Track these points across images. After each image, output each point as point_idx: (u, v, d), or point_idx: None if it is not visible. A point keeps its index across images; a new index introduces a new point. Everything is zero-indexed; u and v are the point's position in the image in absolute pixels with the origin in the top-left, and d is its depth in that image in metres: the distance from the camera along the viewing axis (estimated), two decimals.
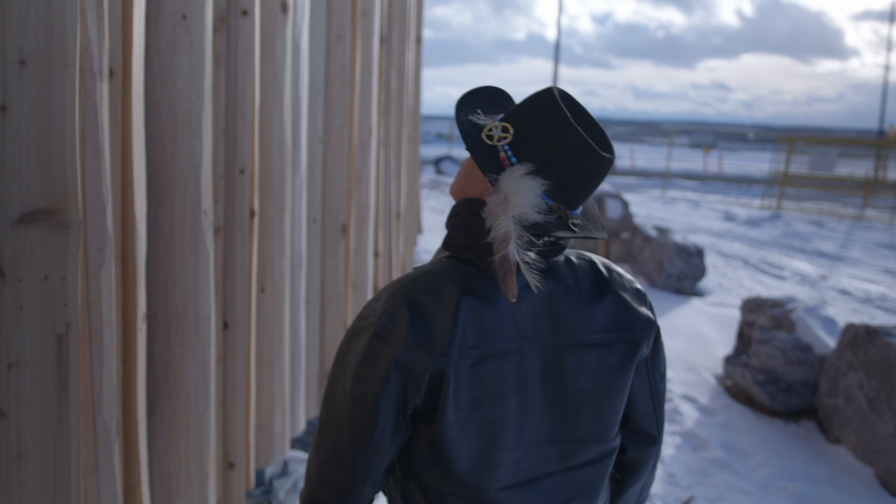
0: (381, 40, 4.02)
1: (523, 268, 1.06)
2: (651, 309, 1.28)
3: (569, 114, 1.10)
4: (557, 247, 1.16)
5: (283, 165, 2.67)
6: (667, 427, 4.34)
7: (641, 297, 1.27)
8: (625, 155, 29.69)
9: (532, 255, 1.07)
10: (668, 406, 4.64)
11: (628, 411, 1.30)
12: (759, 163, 31.88)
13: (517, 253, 1.05)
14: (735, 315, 6.46)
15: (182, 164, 2.01)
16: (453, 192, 1.24)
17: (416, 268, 1.19)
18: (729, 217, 14.77)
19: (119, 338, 1.84)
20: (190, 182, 2.03)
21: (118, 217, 1.79)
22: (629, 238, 8.70)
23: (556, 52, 27.22)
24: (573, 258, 1.22)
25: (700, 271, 7.96)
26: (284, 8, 2.59)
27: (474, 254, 1.13)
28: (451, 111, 1.25)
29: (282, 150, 2.65)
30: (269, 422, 2.80)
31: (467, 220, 1.14)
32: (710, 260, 9.50)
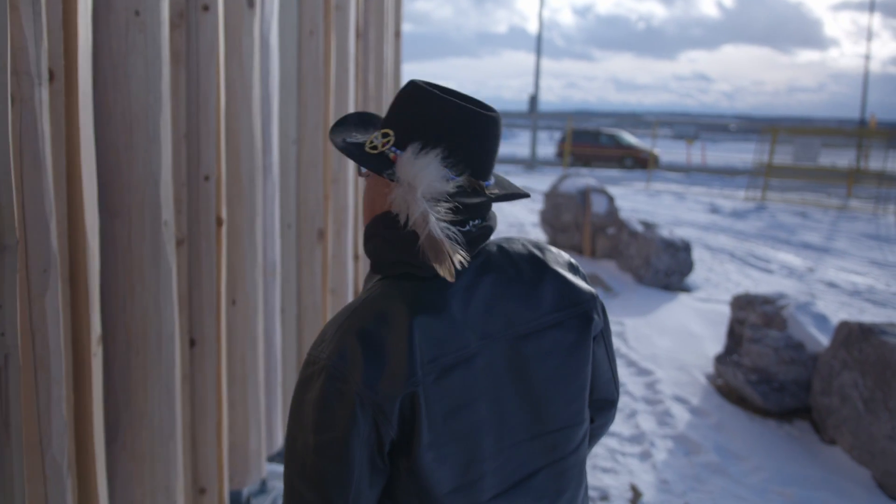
0: (358, 35, 3.87)
1: (448, 244, 1.00)
2: (585, 279, 1.26)
3: (437, 92, 1.08)
4: (486, 228, 1.12)
5: (253, 169, 2.52)
6: (659, 430, 4.23)
7: (576, 269, 1.26)
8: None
9: (454, 230, 1.03)
10: (659, 408, 4.54)
11: (592, 383, 1.27)
12: (741, 153, 31.95)
13: (440, 229, 1.02)
14: (724, 311, 6.37)
15: (139, 173, 1.86)
16: (366, 217, 1.19)
17: (352, 302, 1.11)
18: (714, 209, 14.71)
19: (70, 365, 1.69)
20: (148, 191, 1.88)
21: (65, 234, 1.64)
22: (615, 233, 8.58)
23: (538, 45, 27.08)
24: (504, 245, 1.19)
25: (687, 266, 7.87)
26: (251, 3, 2.43)
27: (406, 264, 1.07)
28: None
29: (251, 153, 2.50)
30: (243, 440, 2.65)
31: (386, 235, 1.09)
32: (696, 254, 9.40)
